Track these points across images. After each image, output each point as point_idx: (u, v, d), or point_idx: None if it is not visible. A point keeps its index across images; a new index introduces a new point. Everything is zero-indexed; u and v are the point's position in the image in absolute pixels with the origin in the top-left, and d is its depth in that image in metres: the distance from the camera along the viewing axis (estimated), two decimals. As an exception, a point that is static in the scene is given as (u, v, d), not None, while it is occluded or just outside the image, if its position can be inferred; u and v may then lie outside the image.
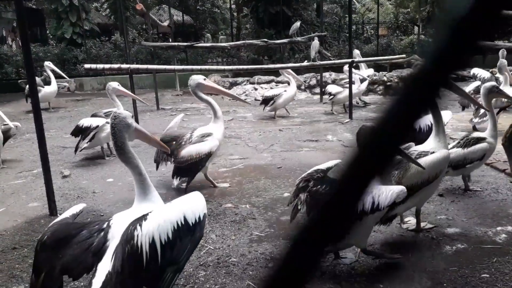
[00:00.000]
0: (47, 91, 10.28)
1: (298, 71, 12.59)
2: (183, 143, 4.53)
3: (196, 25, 22.07)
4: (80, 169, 5.72)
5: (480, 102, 4.62)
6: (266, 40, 13.30)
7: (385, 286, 2.78)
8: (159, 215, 2.20)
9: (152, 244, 2.08)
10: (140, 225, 2.12)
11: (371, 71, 10.86)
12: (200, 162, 4.42)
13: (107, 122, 6.04)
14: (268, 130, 7.68)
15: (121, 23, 13.72)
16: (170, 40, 15.31)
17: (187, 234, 2.20)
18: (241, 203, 4.25)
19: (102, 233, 2.21)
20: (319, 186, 2.97)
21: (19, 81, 12.08)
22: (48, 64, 10.57)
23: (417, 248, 3.28)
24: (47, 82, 10.55)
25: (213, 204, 4.25)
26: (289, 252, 0.48)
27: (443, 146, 3.41)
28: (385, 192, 2.77)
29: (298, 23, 13.09)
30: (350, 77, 8.52)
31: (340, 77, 10.57)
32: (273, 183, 4.83)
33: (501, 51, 8.64)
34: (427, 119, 4.49)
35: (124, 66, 7.80)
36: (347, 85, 8.60)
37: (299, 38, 13.27)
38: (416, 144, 3.60)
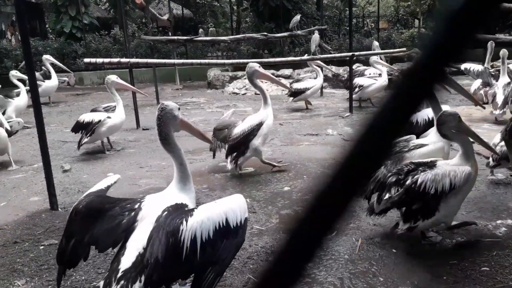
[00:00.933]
0: (48, 85, 10.25)
1: (298, 65, 12.59)
2: (236, 125, 4.91)
3: (196, 18, 21.99)
4: (80, 164, 5.72)
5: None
6: (266, 33, 13.27)
7: (384, 279, 2.79)
8: (203, 213, 2.25)
9: (194, 240, 2.15)
10: (186, 220, 2.19)
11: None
12: (251, 132, 4.77)
13: (108, 117, 6.04)
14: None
15: (120, 17, 13.66)
16: (170, 34, 15.26)
17: (227, 235, 2.24)
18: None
19: (133, 213, 2.31)
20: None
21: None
22: (47, 57, 10.52)
23: (417, 241, 3.28)
24: (47, 77, 10.53)
25: (213, 198, 4.25)
26: (287, 244, 0.48)
27: (444, 140, 3.42)
28: (459, 173, 2.98)
29: (298, 17, 13.05)
30: (350, 71, 8.50)
31: (361, 68, 10.06)
32: (273, 177, 4.84)
33: (489, 43, 8.65)
34: (425, 113, 4.51)
35: (124, 60, 7.78)
36: (377, 77, 8.51)
37: (299, 32, 13.24)
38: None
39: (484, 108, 5.37)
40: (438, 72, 0.47)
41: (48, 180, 4.15)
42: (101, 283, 2.19)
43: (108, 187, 2.64)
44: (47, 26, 19.63)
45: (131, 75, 7.74)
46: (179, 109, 2.76)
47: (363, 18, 22.51)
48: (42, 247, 3.40)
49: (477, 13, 0.44)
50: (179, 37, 13.20)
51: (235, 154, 4.77)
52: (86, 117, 6.08)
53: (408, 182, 2.94)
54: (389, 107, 0.47)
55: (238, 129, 4.80)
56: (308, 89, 8.88)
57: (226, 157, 4.82)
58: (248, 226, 3.59)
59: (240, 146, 4.76)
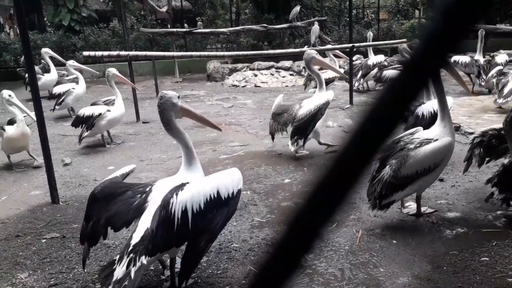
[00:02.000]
0: (48, 79, 10.22)
1: (297, 56, 12.54)
2: (298, 107, 5.18)
3: (195, 10, 21.87)
4: (81, 157, 5.73)
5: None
6: (265, 25, 13.21)
7: (385, 270, 2.81)
8: (194, 186, 2.44)
9: (184, 212, 2.35)
10: (177, 194, 2.40)
11: (381, 57, 10.06)
12: (318, 111, 5.02)
13: (108, 110, 6.04)
14: (268, 117, 7.63)
15: (119, 9, 13.58)
16: (169, 26, 15.18)
17: (219, 206, 2.42)
18: (242, 190, 4.26)
19: (144, 195, 2.56)
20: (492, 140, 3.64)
21: (18, 69, 12.01)
22: (46, 50, 10.48)
23: (418, 232, 3.30)
24: (46, 70, 10.49)
25: (214, 190, 4.26)
26: (286, 234, 0.49)
27: (448, 132, 3.35)
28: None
29: (297, 8, 12.98)
30: (350, 62, 8.47)
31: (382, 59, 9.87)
32: (273, 169, 4.84)
33: (480, 31, 8.64)
34: (430, 106, 4.49)
35: (123, 53, 7.75)
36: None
37: (299, 23, 13.17)
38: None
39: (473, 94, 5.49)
40: (437, 61, 0.47)
41: (49, 174, 4.16)
42: (117, 257, 2.42)
43: (123, 175, 2.86)
44: (45, 19, 19.52)
45: (131, 68, 7.72)
46: (178, 97, 2.84)
47: (363, 9, 22.36)
48: (44, 240, 3.42)
49: (476, 2, 0.44)
50: (178, 30, 13.14)
51: (297, 136, 5.01)
52: (86, 111, 6.07)
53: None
54: (388, 96, 0.47)
55: (304, 110, 5.04)
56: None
57: (291, 139, 5.05)
58: (249, 218, 3.62)
59: (307, 126, 5.00)
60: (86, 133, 5.91)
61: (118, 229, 2.55)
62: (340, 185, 0.48)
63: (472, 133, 5.69)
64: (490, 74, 7.89)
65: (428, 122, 4.45)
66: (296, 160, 5.14)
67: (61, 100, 8.15)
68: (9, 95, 5.24)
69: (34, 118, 5.69)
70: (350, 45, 8.52)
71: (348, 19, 12.91)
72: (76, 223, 3.71)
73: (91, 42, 15.58)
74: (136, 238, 2.38)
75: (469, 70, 7.91)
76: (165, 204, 2.38)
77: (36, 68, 8.45)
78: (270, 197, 4.09)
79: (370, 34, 10.76)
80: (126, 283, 2.20)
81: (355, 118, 0.48)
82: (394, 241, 3.17)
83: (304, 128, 4.99)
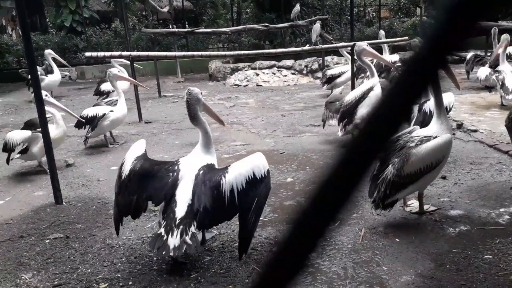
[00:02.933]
0: (51, 79, 10.26)
1: (299, 55, 12.53)
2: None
3: (196, 10, 21.86)
4: (84, 158, 5.74)
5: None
6: (267, 24, 13.19)
7: (388, 268, 2.81)
8: (236, 170, 2.87)
9: (232, 191, 2.78)
10: (224, 177, 2.82)
11: (395, 57, 9.59)
12: (362, 96, 5.34)
13: (110, 111, 6.05)
14: (270, 116, 7.67)
15: (120, 10, 13.62)
16: (170, 26, 15.19)
17: (256, 185, 2.83)
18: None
19: (175, 173, 2.93)
20: None
21: (20, 70, 12.05)
22: (50, 52, 10.52)
23: (420, 230, 3.30)
24: (48, 71, 10.52)
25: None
26: (290, 234, 0.49)
27: (446, 129, 3.38)
28: None
29: (298, 6, 12.95)
30: (352, 60, 8.45)
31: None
32: (276, 168, 4.84)
33: (493, 29, 8.53)
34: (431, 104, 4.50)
35: (125, 53, 7.77)
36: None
37: (300, 22, 13.15)
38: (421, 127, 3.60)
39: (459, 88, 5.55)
40: (440, 60, 0.47)
41: (52, 175, 4.17)
42: (162, 230, 2.73)
43: (145, 150, 3.18)
44: (47, 20, 19.57)
45: (133, 68, 7.73)
46: (201, 93, 3.23)
47: (365, 7, 22.31)
48: (47, 241, 3.43)
49: (479, 1, 0.44)
50: (180, 29, 13.14)
51: (345, 121, 5.33)
52: (90, 111, 6.08)
53: None
54: (392, 95, 0.47)
55: (350, 96, 5.45)
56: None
57: (338, 124, 5.47)
58: (251, 217, 3.62)
59: (351, 110, 5.31)
60: (89, 134, 5.93)
61: (158, 204, 2.92)
62: (344, 184, 0.49)
63: (474, 131, 5.69)
64: (487, 72, 7.81)
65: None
66: (298, 159, 5.14)
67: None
68: (46, 95, 5.11)
69: (77, 116, 5.78)
70: (352, 43, 8.50)
71: (349, 18, 12.89)
72: (79, 223, 3.72)
73: (93, 43, 15.60)
74: (180, 212, 2.74)
75: (490, 83, 7.64)
76: (217, 185, 2.79)
77: (39, 69, 8.48)
78: (273, 196, 4.09)
79: (382, 33, 10.48)
80: (185, 247, 2.60)
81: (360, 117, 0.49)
82: (397, 239, 3.17)
83: (349, 112, 5.32)
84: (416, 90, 0.47)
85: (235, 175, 2.82)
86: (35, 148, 4.97)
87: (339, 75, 8.92)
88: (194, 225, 2.72)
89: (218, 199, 2.76)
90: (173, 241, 2.62)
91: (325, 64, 11.34)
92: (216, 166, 3.10)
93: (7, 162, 5.02)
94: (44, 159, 5.08)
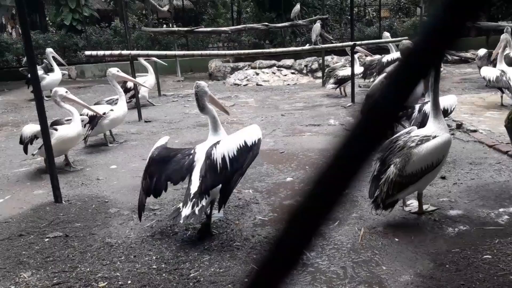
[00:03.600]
0: (52, 78, 10.25)
1: (299, 55, 12.52)
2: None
3: (196, 9, 21.84)
4: (83, 156, 5.74)
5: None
6: (267, 23, 13.17)
7: (387, 268, 2.81)
8: (227, 141, 3.31)
9: (223, 158, 3.18)
10: (215, 147, 3.23)
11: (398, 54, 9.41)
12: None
13: (111, 110, 6.05)
14: (270, 115, 7.67)
15: (120, 8, 13.61)
16: (170, 25, 15.18)
17: (247, 151, 3.24)
18: (244, 188, 4.27)
19: (191, 156, 3.35)
20: None
21: (20, 69, 12.04)
22: (50, 51, 10.52)
23: (420, 230, 3.30)
24: (48, 70, 10.52)
25: (216, 189, 4.27)
26: (285, 231, 0.49)
27: (443, 128, 3.40)
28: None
29: (298, 6, 12.94)
30: (352, 60, 8.46)
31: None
32: (275, 168, 4.84)
33: (505, 29, 8.45)
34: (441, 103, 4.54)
35: (125, 52, 7.75)
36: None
37: (300, 21, 13.13)
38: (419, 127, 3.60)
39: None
40: (436, 55, 0.47)
41: (52, 173, 4.17)
42: (180, 204, 3.23)
43: (167, 143, 3.58)
44: (47, 19, 19.55)
45: (132, 67, 7.72)
46: (207, 87, 3.62)
47: (365, 7, 22.30)
48: (47, 239, 3.43)
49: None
50: (180, 28, 13.12)
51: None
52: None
53: None
54: (387, 91, 0.47)
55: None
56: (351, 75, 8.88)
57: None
58: (251, 217, 3.63)
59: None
60: (88, 132, 5.92)
61: (176, 183, 3.36)
62: (338, 181, 0.49)
63: (474, 131, 5.69)
64: (498, 73, 7.73)
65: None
66: (297, 158, 5.14)
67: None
68: (66, 91, 5.14)
69: (100, 113, 5.79)
70: (352, 43, 8.51)
71: (349, 17, 12.88)
72: (79, 222, 3.72)
73: (93, 41, 15.58)
74: (193, 188, 3.18)
75: (502, 84, 7.51)
76: (208, 155, 3.22)
77: (39, 68, 8.48)
78: (273, 195, 4.09)
79: (386, 34, 10.17)
80: (193, 218, 3.07)
81: (355, 114, 0.49)
82: (396, 239, 3.17)
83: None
84: (410, 86, 0.48)
85: (227, 144, 3.27)
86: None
87: (349, 76, 8.92)
88: (206, 198, 3.15)
89: (211, 167, 3.18)
90: (185, 211, 3.09)
91: (325, 63, 11.33)
92: None
93: (25, 151, 5.02)
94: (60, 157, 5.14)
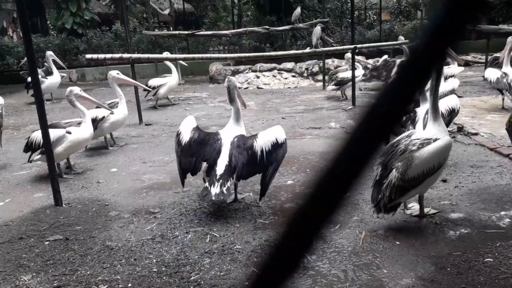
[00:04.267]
0: (51, 81, 10.27)
1: (299, 58, 12.54)
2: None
3: (197, 13, 21.91)
4: (84, 159, 5.74)
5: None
6: (267, 27, 13.21)
7: (388, 271, 2.80)
8: (263, 136, 3.83)
9: (262, 151, 3.72)
10: (256, 141, 3.77)
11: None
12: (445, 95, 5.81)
13: (111, 113, 6.04)
14: (271, 118, 7.67)
15: (121, 12, 13.64)
16: (171, 29, 15.21)
17: (279, 147, 3.77)
18: (245, 191, 4.27)
19: (219, 141, 3.84)
20: None
21: (21, 72, 12.06)
22: (51, 54, 10.54)
23: (421, 233, 3.29)
24: (49, 73, 10.54)
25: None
26: (286, 233, 0.49)
27: (443, 131, 3.39)
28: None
29: (298, 9, 12.97)
30: (353, 63, 8.47)
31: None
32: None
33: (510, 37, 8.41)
34: (445, 104, 4.55)
35: (126, 55, 7.77)
36: None
37: (301, 25, 13.17)
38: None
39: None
40: (436, 58, 0.47)
41: (52, 176, 4.16)
42: (207, 184, 3.64)
43: (196, 124, 4.10)
44: (48, 22, 19.61)
45: (133, 71, 7.73)
46: (237, 81, 4.23)
47: (365, 10, 22.37)
48: (47, 242, 3.42)
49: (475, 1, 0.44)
50: (181, 32, 13.16)
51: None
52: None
53: None
54: (389, 92, 0.47)
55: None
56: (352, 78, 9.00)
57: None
58: (251, 220, 3.63)
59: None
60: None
61: (209, 164, 3.77)
62: (339, 184, 0.48)
63: (475, 134, 5.68)
64: (499, 75, 7.71)
65: (447, 120, 4.50)
66: (298, 161, 5.13)
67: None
68: (80, 90, 5.14)
69: (111, 110, 5.90)
70: (352, 46, 8.52)
71: (350, 21, 12.90)
72: (79, 225, 3.72)
73: (94, 45, 15.63)
74: (219, 170, 3.65)
75: (501, 86, 7.49)
76: (250, 147, 3.74)
77: (39, 71, 8.48)
78: (273, 198, 4.08)
79: (401, 38, 10.09)
80: (221, 196, 3.52)
81: (356, 117, 0.49)
82: (398, 242, 3.16)
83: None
84: (412, 87, 0.47)
85: (264, 140, 3.79)
86: (59, 148, 4.80)
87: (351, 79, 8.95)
88: (230, 181, 3.64)
89: (252, 157, 3.70)
90: (214, 190, 3.54)
91: (325, 67, 11.34)
92: (245, 135, 4.02)
93: (29, 161, 4.99)
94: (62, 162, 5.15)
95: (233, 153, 3.72)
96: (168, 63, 9.34)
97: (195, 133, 3.93)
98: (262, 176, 3.75)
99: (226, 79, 4.19)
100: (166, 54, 9.38)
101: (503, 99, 7.11)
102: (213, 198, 3.52)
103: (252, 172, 3.76)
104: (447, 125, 4.50)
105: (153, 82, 9.19)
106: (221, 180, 3.59)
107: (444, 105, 4.53)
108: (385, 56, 11.15)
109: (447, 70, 7.57)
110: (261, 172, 3.75)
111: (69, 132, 4.92)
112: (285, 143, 3.83)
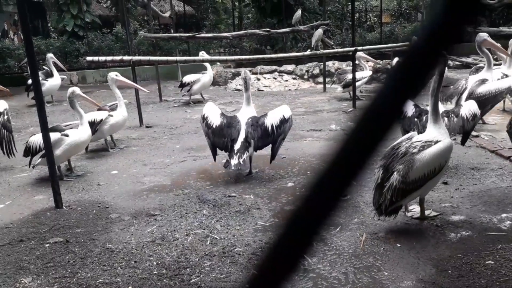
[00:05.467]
0: (51, 83, 10.28)
1: (300, 60, 12.54)
2: (475, 84, 6.22)
3: (198, 15, 21.95)
4: (84, 162, 5.74)
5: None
6: (268, 29, 13.20)
7: (389, 274, 2.79)
8: (272, 114, 4.76)
9: (272, 126, 4.63)
10: (265, 118, 4.72)
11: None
12: (498, 94, 6.07)
13: (109, 115, 6.05)
14: (271, 120, 7.66)
15: (122, 14, 13.66)
16: (172, 31, 15.24)
17: (285, 122, 4.67)
18: (245, 194, 4.26)
19: (239, 123, 4.72)
20: None
21: (25, 74, 12.08)
22: (51, 56, 10.56)
23: (422, 236, 3.28)
24: (49, 75, 10.56)
25: (217, 194, 4.26)
26: (283, 233, 0.49)
27: (444, 133, 3.39)
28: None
29: (299, 12, 12.98)
30: (353, 66, 8.47)
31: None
32: (277, 173, 4.84)
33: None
34: (464, 111, 4.52)
35: (126, 58, 7.78)
36: None
37: (301, 27, 13.18)
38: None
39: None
40: (436, 54, 0.47)
41: (53, 179, 4.16)
42: (228, 157, 4.61)
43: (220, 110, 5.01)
44: (49, 24, 19.66)
45: (134, 73, 7.75)
46: (238, 84, 5.44)
47: (366, 12, 22.39)
48: (47, 245, 3.42)
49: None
50: (181, 34, 13.16)
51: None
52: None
53: None
54: (387, 91, 0.47)
55: (483, 89, 5.88)
56: (362, 79, 9.18)
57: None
58: (252, 222, 3.62)
59: (488, 103, 5.90)
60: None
61: (234, 143, 4.59)
62: (336, 185, 0.48)
63: (476, 136, 5.67)
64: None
65: (471, 125, 4.49)
66: (299, 163, 5.13)
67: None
68: (80, 90, 5.15)
69: (111, 113, 5.93)
70: (353, 48, 8.52)
71: (350, 23, 12.91)
72: (79, 227, 3.71)
73: (95, 47, 15.65)
74: (237, 146, 4.55)
75: None
76: (261, 124, 4.68)
77: (40, 73, 8.48)
78: (274, 201, 4.08)
79: (414, 38, 10.16)
80: (239, 166, 4.44)
81: (355, 117, 0.48)
82: (398, 245, 3.15)
83: (484, 104, 5.70)
84: (410, 86, 0.47)
85: (273, 117, 4.71)
86: (57, 151, 4.76)
87: (359, 79, 8.98)
88: (246, 153, 4.51)
89: (265, 131, 4.63)
90: (234, 161, 4.44)
91: (326, 69, 11.34)
92: (256, 115, 4.89)
93: (30, 166, 4.97)
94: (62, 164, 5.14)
95: (249, 130, 4.62)
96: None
97: (224, 118, 4.77)
98: (272, 145, 4.66)
99: (243, 72, 5.19)
100: (202, 54, 9.55)
101: (504, 101, 7.10)
102: (233, 168, 4.43)
103: (266, 144, 4.66)
104: (471, 130, 4.50)
105: (187, 78, 9.60)
106: (238, 154, 4.47)
107: (467, 110, 4.46)
108: (397, 59, 11.16)
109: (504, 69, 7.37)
110: (272, 143, 4.66)
111: (66, 135, 4.91)
112: (290, 118, 4.73)
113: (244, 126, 4.64)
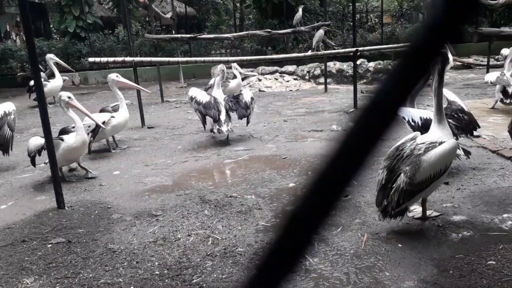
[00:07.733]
0: (54, 85, 10.30)
1: (301, 61, 12.55)
2: None
3: (199, 16, 21.97)
4: (86, 162, 5.75)
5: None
6: (269, 30, 13.22)
7: (390, 274, 2.79)
8: (246, 94, 6.47)
9: (246, 101, 6.36)
10: (243, 96, 6.45)
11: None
12: None
13: (112, 116, 6.06)
14: (272, 121, 7.68)
15: (124, 16, 13.67)
16: (173, 32, 15.26)
17: (253, 101, 6.54)
18: (247, 194, 4.27)
19: (218, 100, 6.33)
20: None
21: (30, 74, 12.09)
22: (51, 56, 10.56)
23: (423, 236, 3.28)
24: (50, 76, 10.58)
25: (219, 195, 4.27)
26: (282, 231, 0.49)
27: (448, 134, 3.37)
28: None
29: (300, 12, 12.99)
30: (354, 66, 8.48)
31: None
32: (278, 173, 4.84)
33: None
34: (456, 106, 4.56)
35: (128, 59, 7.80)
36: None
37: (302, 28, 13.18)
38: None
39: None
40: (435, 50, 0.47)
41: (55, 179, 4.18)
42: (218, 127, 6.08)
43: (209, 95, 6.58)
44: (51, 26, 19.70)
45: (136, 74, 7.76)
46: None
47: (367, 13, 22.37)
48: (49, 245, 3.43)
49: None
50: (183, 35, 13.18)
51: None
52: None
53: None
54: (386, 89, 0.48)
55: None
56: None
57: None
58: (253, 222, 3.63)
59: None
60: (90, 139, 5.92)
61: (219, 115, 6.12)
62: (334, 184, 0.49)
63: (477, 136, 5.66)
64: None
65: (462, 127, 4.53)
66: (300, 164, 5.14)
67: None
68: (69, 97, 4.93)
69: (100, 123, 5.46)
70: (354, 49, 8.52)
71: (351, 24, 12.92)
72: (81, 228, 3.73)
73: (96, 48, 15.69)
74: (223, 118, 6.09)
75: (504, 82, 7.35)
76: (240, 100, 6.31)
77: (43, 74, 8.52)
78: (275, 201, 4.08)
79: (505, 51, 8.42)
80: (227, 130, 6.06)
81: (354, 114, 0.49)
82: (400, 245, 3.15)
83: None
84: (410, 83, 0.48)
85: (248, 96, 6.38)
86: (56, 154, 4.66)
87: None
88: (230, 123, 6.17)
89: (245, 104, 6.27)
90: (224, 128, 6.01)
91: (327, 69, 11.35)
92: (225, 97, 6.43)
93: (32, 164, 4.97)
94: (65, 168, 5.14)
95: (230, 105, 6.24)
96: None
97: (211, 97, 6.23)
98: (247, 118, 6.42)
99: (220, 65, 6.63)
100: (235, 67, 9.29)
101: (496, 101, 7.14)
102: (225, 132, 6.03)
103: (244, 115, 6.29)
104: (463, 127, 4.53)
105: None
106: (226, 123, 6.08)
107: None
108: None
109: None
110: (247, 115, 6.36)
111: (61, 139, 4.85)
112: (253, 98, 6.50)
113: (223, 102, 6.23)
